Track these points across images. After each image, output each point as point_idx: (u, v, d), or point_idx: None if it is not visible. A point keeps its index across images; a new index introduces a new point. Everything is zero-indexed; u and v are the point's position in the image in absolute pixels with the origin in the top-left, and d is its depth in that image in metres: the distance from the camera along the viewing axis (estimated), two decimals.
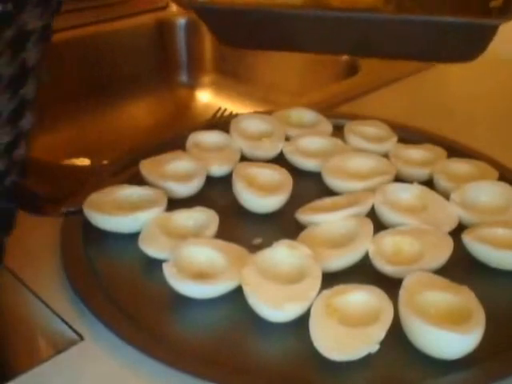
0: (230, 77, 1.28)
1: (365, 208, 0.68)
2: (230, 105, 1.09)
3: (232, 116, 0.88)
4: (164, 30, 1.27)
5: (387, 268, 0.61)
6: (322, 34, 0.74)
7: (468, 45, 0.72)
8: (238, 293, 0.57)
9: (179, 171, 0.73)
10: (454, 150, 0.80)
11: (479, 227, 0.65)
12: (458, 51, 0.73)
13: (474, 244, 0.63)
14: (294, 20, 0.75)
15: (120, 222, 0.65)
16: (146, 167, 0.73)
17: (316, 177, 0.75)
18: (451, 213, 0.68)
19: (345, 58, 1.13)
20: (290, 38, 0.76)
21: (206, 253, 0.60)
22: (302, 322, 0.55)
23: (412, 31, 0.71)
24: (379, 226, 0.66)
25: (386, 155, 0.78)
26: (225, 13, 0.76)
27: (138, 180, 0.72)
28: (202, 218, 0.66)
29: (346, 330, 0.53)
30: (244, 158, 0.78)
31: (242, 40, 0.81)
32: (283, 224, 0.69)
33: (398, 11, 0.76)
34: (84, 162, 1.01)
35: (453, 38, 0.71)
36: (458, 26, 0.70)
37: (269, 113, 0.87)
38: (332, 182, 0.74)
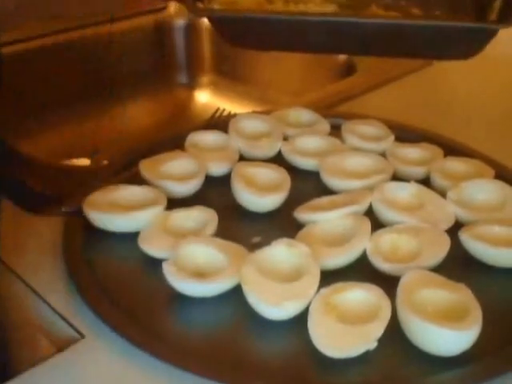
0: (229, 77, 1.28)
1: (362, 206, 0.68)
2: (228, 105, 1.09)
3: (230, 116, 0.88)
4: (163, 30, 1.27)
5: (385, 266, 0.61)
6: (330, 37, 0.75)
7: (466, 46, 0.72)
8: (237, 291, 0.57)
9: (178, 171, 0.73)
10: (451, 149, 0.80)
11: (476, 225, 0.65)
12: (456, 51, 0.73)
13: (471, 241, 0.63)
14: (304, 25, 0.75)
15: (120, 221, 0.65)
16: (146, 167, 0.73)
17: (314, 176, 0.75)
18: (448, 211, 0.68)
19: (342, 57, 1.13)
20: (300, 40, 0.77)
21: (206, 252, 0.60)
22: (301, 319, 0.55)
23: (414, 34, 0.72)
24: (377, 224, 0.66)
25: (383, 154, 0.78)
26: (238, 21, 0.76)
27: (138, 180, 0.72)
28: (202, 217, 0.66)
29: (345, 327, 0.53)
30: (242, 158, 0.78)
31: (254, 44, 0.82)
32: (282, 223, 0.69)
33: (402, 16, 0.78)
34: (84, 162, 1.01)
35: (452, 39, 0.71)
36: (458, 29, 0.70)
37: (267, 113, 0.87)
38: (330, 180, 0.74)
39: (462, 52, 0.73)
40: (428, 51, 0.75)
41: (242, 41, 0.80)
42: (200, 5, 0.75)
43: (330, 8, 0.79)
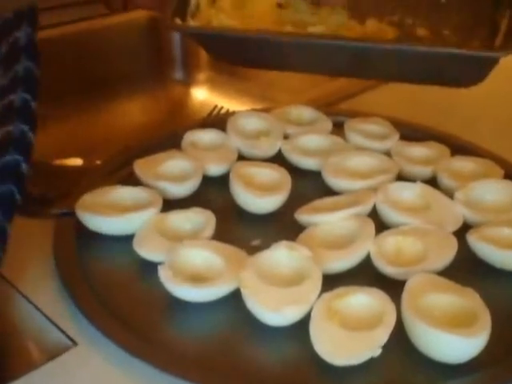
0: (227, 73, 1.28)
1: (366, 208, 0.68)
2: (226, 102, 1.09)
3: (229, 114, 0.88)
4: (159, 25, 1.27)
5: (389, 269, 0.61)
6: (320, 59, 0.75)
7: (468, 74, 0.72)
8: (236, 296, 0.57)
9: (175, 171, 0.73)
10: (458, 148, 0.80)
11: (484, 227, 0.65)
12: (458, 79, 0.73)
13: (479, 244, 0.63)
14: (289, 47, 0.75)
15: (114, 223, 0.65)
16: (141, 167, 0.73)
17: (316, 176, 0.75)
18: (455, 212, 0.68)
19: None
20: (285, 61, 0.78)
21: (203, 255, 0.61)
22: (302, 325, 0.55)
23: (413, 60, 0.72)
24: (381, 226, 0.66)
25: (387, 153, 0.78)
26: (218, 38, 0.77)
27: (132, 180, 0.72)
28: (199, 219, 0.66)
29: (348, 333, 0.53)
30: (241, 157, 0.78)
31: (237, 61, 0.82)
32: (282, 225, 0.69)
33: (400, 40, 0.77)
34: (76, 162, 1.01)
35: (454, 67, 0.71)
36: (460, 57, 0.70)
37: (267, 110, 0.87)
38: (332, 181, 0.74)
39: (462, 79, 0.72)
40: (424, 77, 0.75)
41: (223, 56, 0.81)
42: (178, 21, 0.76)
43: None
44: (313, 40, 0.73)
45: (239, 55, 0.79)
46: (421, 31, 0.77)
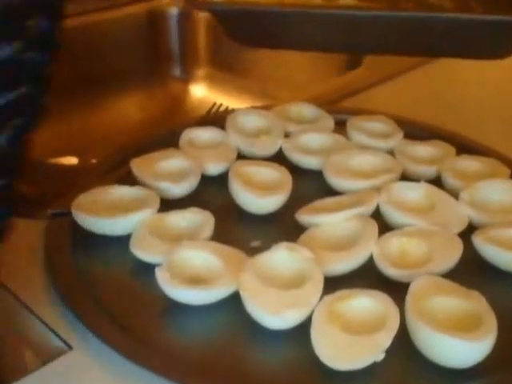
0: (226, 70, 1.28)
1: (369, 208, 0.68)
2: (225, 100, 1.10)
3: (228, 111, 0.88)
4: (156, 20, 1.27)
5: (393, 271, 0.61)
6: (343, 33, 0.75)
7: (499, 42, 0.72)
8: (235, 299, 0.57)
9: (172, 170, 0.73)
10: (464, 147, 0.80)
11: (490, 228, 0.65)
12: (488, 49, 0.73)
13: (485, 246, 0.64)
14: (314, 19, 0.75)
15: (110, 224, 0.65)
16: (137, 166, 0.73)
17: (317, 175, 0.75)
18: (460, 213, 0.68)
19: None
20: (311, 37, 0.77)
21: (201, 256, 0.61)
22: (303, 329, 0.55)
23: (441, 29, 0.72)
24: (384, 227, 0.66)
25: (391, 152, 0.78)
26: (242, 14, 0.76)
27: (129, 180, 0.72)
28: (197, 219, 0.66)
29: (350, 337, 0.53)
30: (241, 156, 0.78)
31: (260, 40, 0.82)
32: (283, 225, 0.69)
33: (427, 10, 0.77)
34: (72, 160, 1.01)
35: (483, 35, 0.71)
36: (487, 23, 0.69)
37: (267, 108, 0.87)
38: (334, 180, 0.74)
39: (494, 50, 0.72)
40: (452, 49, 0.74)
41: (249, 38, 0.80)
42: None
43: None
44: (346, 12, 0.73)
45: (270, 35, 0.78)
46: (446, 3, 0.77)
